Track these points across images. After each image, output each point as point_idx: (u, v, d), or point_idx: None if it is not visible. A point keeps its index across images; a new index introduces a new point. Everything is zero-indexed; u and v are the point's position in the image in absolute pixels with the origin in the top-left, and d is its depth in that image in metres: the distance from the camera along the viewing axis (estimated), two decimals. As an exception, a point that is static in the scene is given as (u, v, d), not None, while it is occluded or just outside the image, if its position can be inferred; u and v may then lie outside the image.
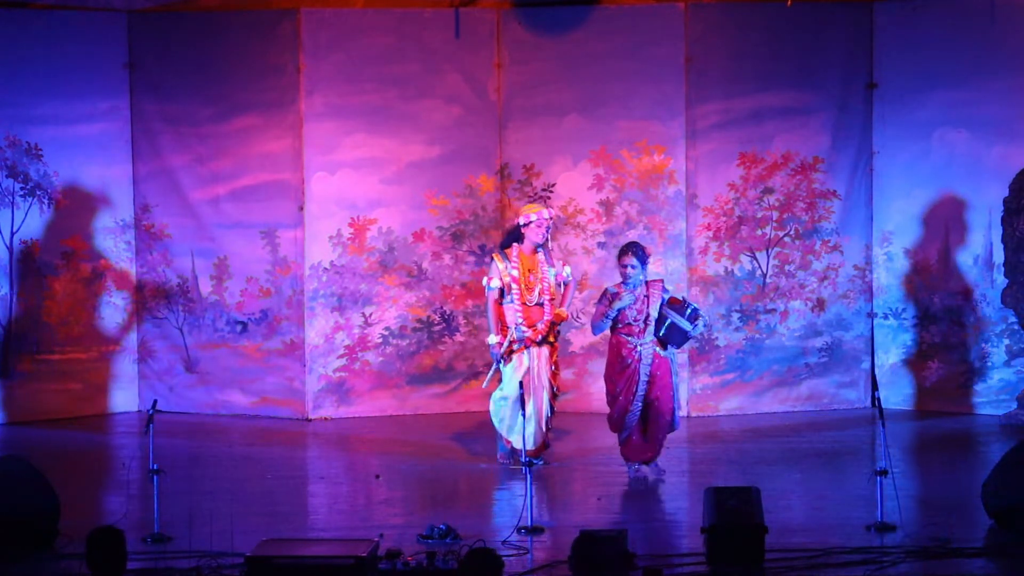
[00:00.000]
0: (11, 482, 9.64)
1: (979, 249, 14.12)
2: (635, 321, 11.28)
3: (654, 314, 11.28)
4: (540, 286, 11.85)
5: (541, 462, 11.84)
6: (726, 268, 14.36)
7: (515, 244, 11.93)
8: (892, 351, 14.55)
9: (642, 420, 11.40)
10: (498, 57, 14.62)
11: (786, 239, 14.30)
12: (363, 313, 14.51)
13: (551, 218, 11.99)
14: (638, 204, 14.37)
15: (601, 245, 14.48)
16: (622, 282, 11.34)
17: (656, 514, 10.70)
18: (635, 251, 11.30)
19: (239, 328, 14.59)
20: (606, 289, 11.46)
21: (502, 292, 11.85)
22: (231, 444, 13.40)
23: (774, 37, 14.30)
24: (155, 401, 10.55)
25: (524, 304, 11.81)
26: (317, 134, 14.28)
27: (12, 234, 14.26)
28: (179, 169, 14.61)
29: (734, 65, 14.25)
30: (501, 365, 11.92)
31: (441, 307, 14.68)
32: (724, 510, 9.02)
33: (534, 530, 9.76)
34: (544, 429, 11.95)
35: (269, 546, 8.68)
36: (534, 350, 11.85)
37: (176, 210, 14.65)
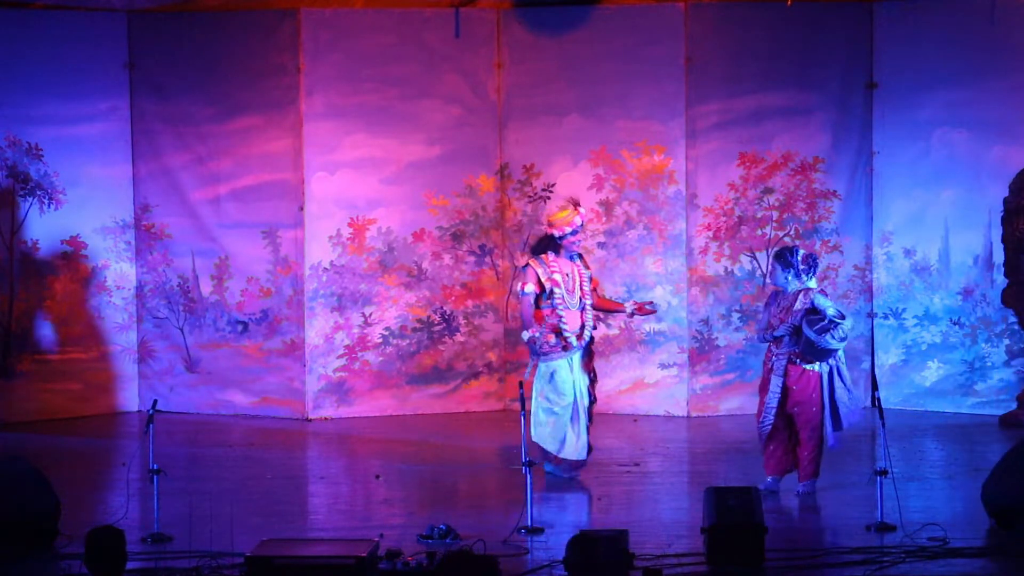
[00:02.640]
0: (11, 482, 9.64)
1: (979, 249, 14.12)
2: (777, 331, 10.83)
3: (797, 324, 10.73)
4: (579, 291, 11.53)
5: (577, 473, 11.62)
6: (726, 268, 14.36)
7: (550, 252, 11.54)
8: (892, 351, 14.55)
9: (789, 434, 10.93)
10: (498, 57, 14.62)
11: (786, 239, 14.29)
12: (363, 313, 14.51)
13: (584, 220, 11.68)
14: (638, 204, 14.37)
15: (601, 245, 14.48)
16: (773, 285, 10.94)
17: (656, 514, 10.70)
18: (778, 255, 10.88)
19: (240, 328, 14.59)
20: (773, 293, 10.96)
21: (538, 298, 11.47)
22: (231, 444, 13.40)
23: (774, 37, 14.31)
24: (155, 401, 10.54)
25: (567, 309, 11.44)
26: (317, 134, 14.27)
27: (12, 234, 14.26)
28: (179, 169, 14.61)
29: (734, 65, 14.25)
30: (541, 360, 11.47)
31: (441, 307, 14.68)
32: (724, 510, 9.02)
33: (534, 530, 9.76)
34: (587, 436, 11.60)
35: (269, 546, 8.68)
36: (576, 359, 11.51)
37: (176, 210, 14.65)
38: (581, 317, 11.50)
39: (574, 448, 11.50)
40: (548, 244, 11.58)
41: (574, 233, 11.48)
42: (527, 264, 11.61)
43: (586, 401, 11.58)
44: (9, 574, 9.06)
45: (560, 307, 11.41)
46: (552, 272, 11.44)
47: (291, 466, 12.55)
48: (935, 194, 14.27)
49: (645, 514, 10.59)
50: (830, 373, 10.79)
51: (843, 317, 10.68)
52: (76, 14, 14.39)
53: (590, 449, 11.63)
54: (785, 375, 10.82)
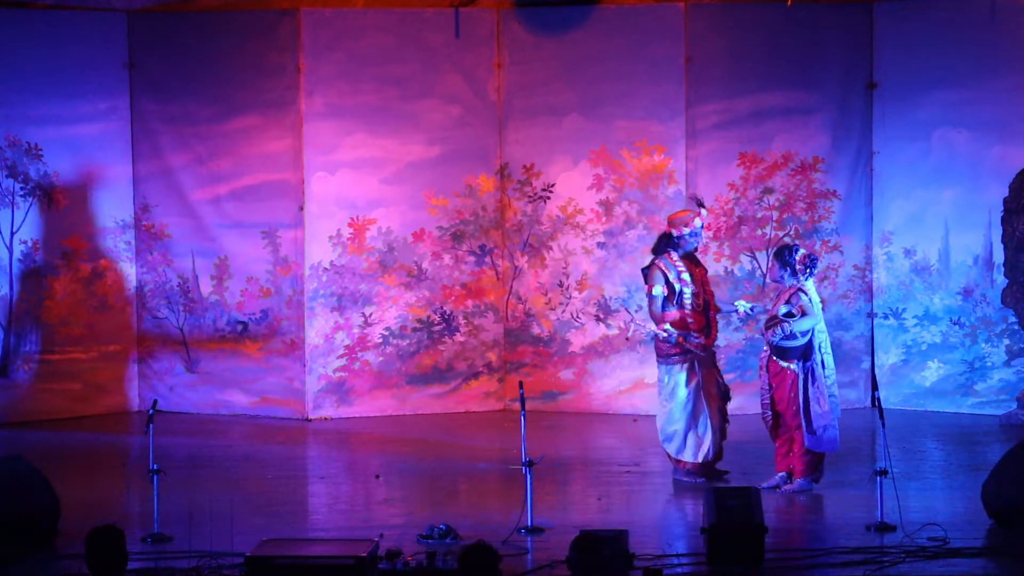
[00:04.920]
0: (11, 482, 9.65)
1: (979, 249, 14.12)
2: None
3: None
4: (702, 291, 11.28)
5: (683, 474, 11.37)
6: (726, 268, 14.36)
7: (671, 251, 11.26)
8: (892, 351, 14.55)
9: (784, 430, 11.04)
10: (498, 57, 14.62)
11: (786, 239, 14.29)
12: (363, 313, 14.51)
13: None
14: (638, 204, 14.37)
15: (600, 245, 14.47)
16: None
17: (656, 514, 10.70)
18: (777, 253, 10.98)
19: (240, 328, 14.59)
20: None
21: (665, 300, 11.20)
22: (231, 444, 13.40)
23: (774, 37, 14.31)
24: (155, 401, 10.55)
25: (693, 310, 11.18)
26: (317, 134, 14.28)
27: (12, 234, 14.26)
28: (179, 169, 14.61)
29: (734, 65, 14.25)
30: (665, 364, 11.24)
31: (441, 307, 14.67)
32: (724, 510, 9.02)
33: (534, 530, 9.76)
34: (720, 439, 11.34)
35: (269, 546, 8.68)
36: (702, 358, 11.27)
37: (176, 210, 14.65)
38: (707, 318, 11.30)
39: (693, 451, 11.28)
40: (668, 243, 11.31)
41: (693, 235, 11.26)
42: (652, 264, 11.32)
43: (721, 404, 11.34)
44: (9, 574, 9.06)
45: (689, 308, 11.20)
46: (680, 272, 11.20)
47: (291, 466, 12.56)
48: (935, 194, 14.27)
49: (645, 514, 10.59)
50: (806, 376, 10.84)
51: (794, 316, 10.71)
52: (76, 14, 14.39)
53: (717, 457, 11.35)
54: (768, 371, 10.96)
